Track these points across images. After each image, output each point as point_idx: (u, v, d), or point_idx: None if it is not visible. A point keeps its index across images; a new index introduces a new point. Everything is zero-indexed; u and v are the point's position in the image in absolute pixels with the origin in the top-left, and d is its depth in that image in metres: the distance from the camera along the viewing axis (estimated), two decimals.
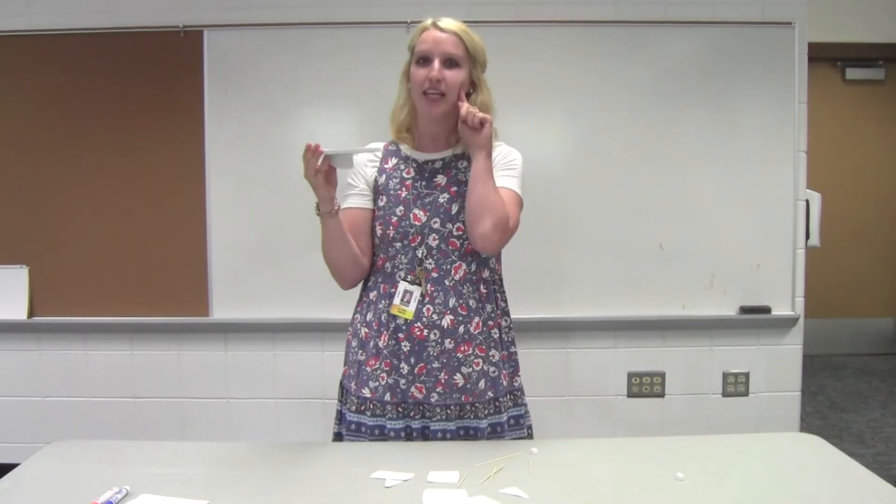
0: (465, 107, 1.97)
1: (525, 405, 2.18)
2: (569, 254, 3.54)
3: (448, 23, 2.03)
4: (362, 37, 3.45)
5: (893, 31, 5.62)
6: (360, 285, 2.16)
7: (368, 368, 2.05)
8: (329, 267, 2.07)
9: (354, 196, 2.11)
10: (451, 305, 2.00)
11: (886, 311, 6.21)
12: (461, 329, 2.00)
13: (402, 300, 2.00)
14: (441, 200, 2.02)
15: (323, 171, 1.90)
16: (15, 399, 3.65)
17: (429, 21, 2.04)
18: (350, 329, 2.15)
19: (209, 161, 3.51)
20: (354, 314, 2.15)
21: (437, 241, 2.02)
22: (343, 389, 2.15)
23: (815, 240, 3.58)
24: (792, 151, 3.51)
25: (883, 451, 4.13)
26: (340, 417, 2.15)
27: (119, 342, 3.61)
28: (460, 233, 2.01)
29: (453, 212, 2.01)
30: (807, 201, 3.54)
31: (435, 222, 2.01)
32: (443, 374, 2.00)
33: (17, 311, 3.58)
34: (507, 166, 2.07)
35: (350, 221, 2.05)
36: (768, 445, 2.00)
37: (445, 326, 2.00)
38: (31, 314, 3.59)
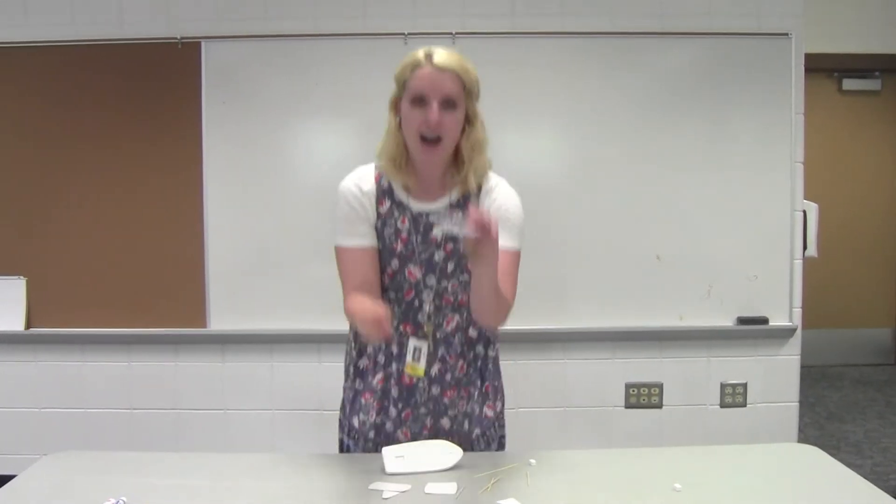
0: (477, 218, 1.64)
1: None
2: (566, 265, 3.54)
3: (444, 57, 1.84)
4: (359, 48, 3.45)
5: (889, 42, 5.64)
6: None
7: (363, 400, 2.05)
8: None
9: (361, 237, 1.96)
10: (439, 355, 2.00)
11: (884, 321, 6.21)
12: (448, 376, 2.00)
13: (413, 357, 1.96)
14: (437, 259, 1.95)
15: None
16: (12, 410, 3.64)
17: (421, 54, 1.86)
18: (346, 348, 2.14)
19: (207, 172, 3.52)
20: (351, 331, 2.10)
21: (431, 296, 1.98)
22: (343, 407, 2.15)
23: (812, 250, 3.59)
24: (789, 162, 3.52)
25: (881, 461, 4.13)
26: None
27: (116, 353, 3.61)
28: (455, 289, 1.98)
29: (449, 270, 1.96)
30: (804, 212, 3.55)
31: (430, 279, 1.97)
32: (429, 419, 2.00)
33: (14, 322, 3.57)
34: (503, 224, 1.86)
35: (360, 261, 1.95)
36: (766, 456, 1.99)
37: (433, 375, 2.00)
38: (28, 325, 3.59)
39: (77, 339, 3.60)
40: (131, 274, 3.56)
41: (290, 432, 3.61)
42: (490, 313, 1.91)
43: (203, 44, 3.49)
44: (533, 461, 1.89)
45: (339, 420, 2.16)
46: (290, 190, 3.52)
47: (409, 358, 1.96)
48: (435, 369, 1.99)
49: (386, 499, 1.68)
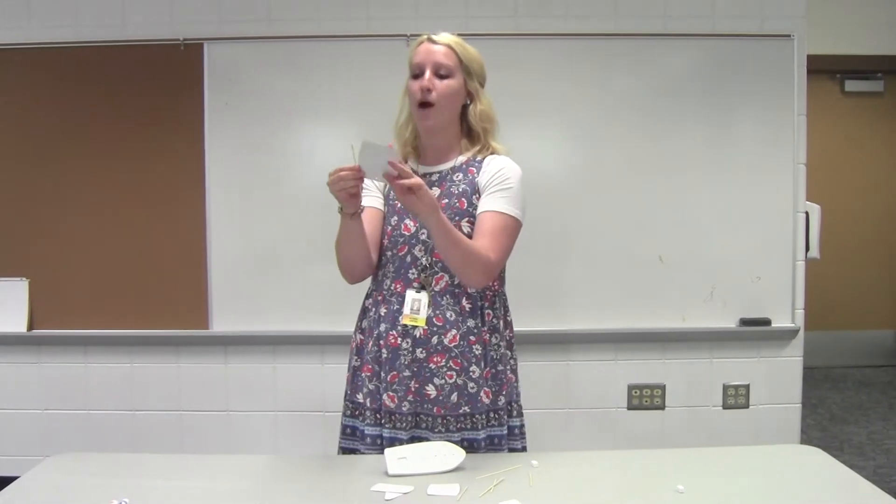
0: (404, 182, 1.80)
1: (517, 426, 2.15)
2: (569, 266, 3.54)
3: (442, 36, 2.06)
4: (362, 50, 3.46)
5: (892, 44, 5.64)
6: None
7: (362, 374, 2.10)
8: (339, 260, 2.08)
9: (371, 197, 2.12)
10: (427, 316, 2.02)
11: (886, 322, 6.21)
12: (434, 340, 2.01)
13: (411, 309, 2.01)
14: None
15: (352, 192, 1.89)
16: (15, 412, 3.64)
17: (424, 36, 2.08)
18: (353, 337, 2.18)
19: (209, 173, 3.52)
20: (357, 322, 2.19)
21: (422, 253, 2.04)
22: (345, 393, 2.18)
23: (814, 252, 3.58)
24: (791, 163, 3.51)
25: (883, 463, 4.12)
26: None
27: (119, 355, 3.61)
28: None
29: None
30: (806, 213, 3.55)
31: (423, 234, 2.03)
32: (413, 383, 2.01)
33: (17, 323, 3.57)
34: (500, 186, 2.03)
35: (366, 219, 2.04)
36: (769, 458, 1.99)
37: (418, 336, 2.01)
38: (30, 327, 3.59)
39: (80, 341, 3.60)
40: (134, 275, 3.56)
41: (293, 434, 3.61)
42: (455, 266, 1.97)
43: (206, 45, 3.49)
44: (535, 462, 1.89)
45: (341, 416, 2.18)
46: (292, 191, 3.52)
47: (406, 310, 2.01)
48: (419, 330, 2.01)
49: (388, 500, 1.68)
